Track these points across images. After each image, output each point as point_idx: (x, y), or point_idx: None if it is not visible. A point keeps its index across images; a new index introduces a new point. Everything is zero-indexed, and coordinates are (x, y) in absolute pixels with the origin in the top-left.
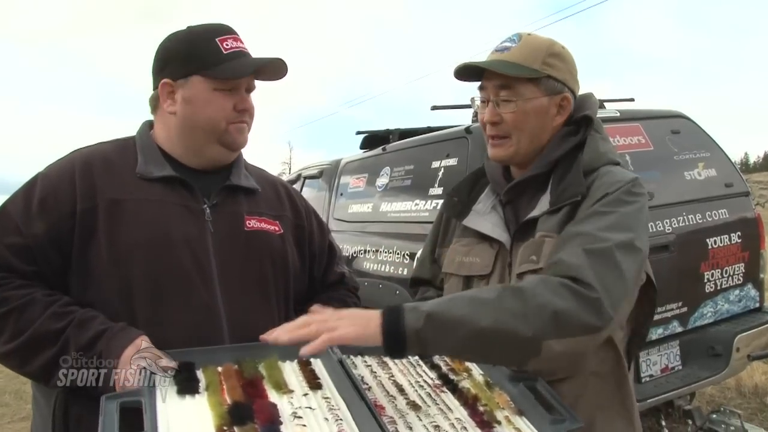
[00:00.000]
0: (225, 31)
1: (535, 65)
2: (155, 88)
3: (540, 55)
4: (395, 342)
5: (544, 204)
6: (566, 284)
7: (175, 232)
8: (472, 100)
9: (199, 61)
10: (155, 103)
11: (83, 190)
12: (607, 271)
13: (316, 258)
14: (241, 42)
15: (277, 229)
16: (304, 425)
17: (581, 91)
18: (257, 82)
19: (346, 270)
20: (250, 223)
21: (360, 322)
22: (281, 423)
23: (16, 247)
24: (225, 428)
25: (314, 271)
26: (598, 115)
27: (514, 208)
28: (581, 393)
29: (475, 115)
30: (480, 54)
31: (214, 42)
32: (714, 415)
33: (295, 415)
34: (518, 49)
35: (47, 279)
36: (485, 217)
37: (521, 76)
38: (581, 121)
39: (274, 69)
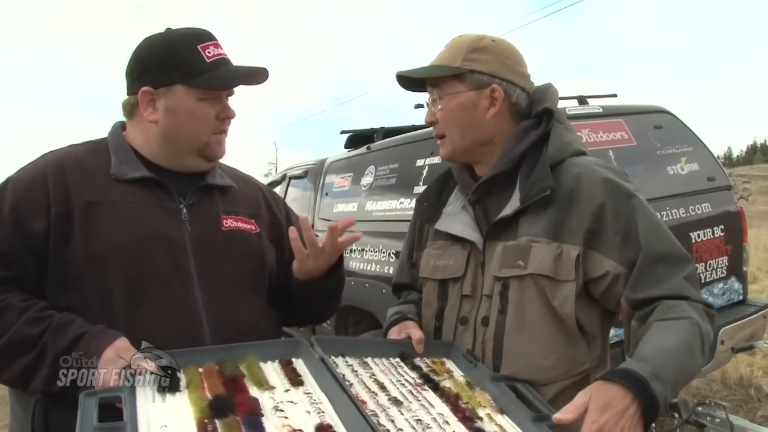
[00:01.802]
0: (206, 37)
1: (455, 63)
2: (131, 93)
3: (461, 52)
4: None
5: (515, 201)
6: (711, 314)
7: (152, 233)
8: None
9: (183, 69)
10: (131, 109)
11: (57, 194)
12: None
13: None
14: (221, 48)
15: (253, 227)
16: (286, 417)
17: (560, 87)
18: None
19: None
20: (227, 223)
21: (628, 414)
22: (263, 415)
23: None
24: (206, 421)
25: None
26: (580, 111)
27: (483, 207)
28: (560, 393)
29: None
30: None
31: (196, 50)
32: (700, 408)
33: (277, 409)
34: (444, 52)
35: (23, 284)
36: (456, 218)
37: (441, 75)
38: (542, 113)
39: (256, 75)
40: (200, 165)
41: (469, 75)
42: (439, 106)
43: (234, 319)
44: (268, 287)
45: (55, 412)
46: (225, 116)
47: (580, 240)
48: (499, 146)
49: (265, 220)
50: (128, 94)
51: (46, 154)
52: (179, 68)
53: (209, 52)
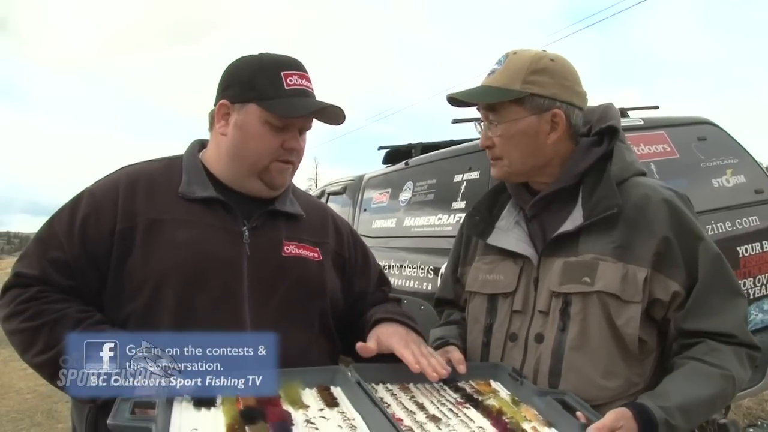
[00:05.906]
0: (293, 66)
1: (515, 86)
2: (215, 105)
3: (521, 74)
4: None
5: (576, 218)
6: (754, 357)
7: (210, 253)
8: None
9: (259, 90)
10: (211, 120)
11: (124, 210)
12: None
13: (368, 295)
14: (308, 80)
15: (316, 255)
16: (317, 429)
17: (599, 99)
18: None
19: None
20: (288, 249)
21: None
22: (293, 425)
23: (58, 262)
24: (236, 427)
25: (366, 301)
26: (620, 124)
27: (540, 222)
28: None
29: None
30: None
31: (278, 75)
32: (751, 429)
33: (309, 422)
34: (501, 72)
35: (84, 295)
36: (509, 233)
37: (501, 100)
38: (605, 131)
39: (332, 114)
40: (261, 190)
41: (529, 99)
42: (499, 132)
43: (281, 345)
44: (326, 316)
45: (103, 419)
46: (289, 147)
47: (648, 263)
48: (557, 165)
49: (329, 248)
50: (214, 105)
51: (122, 168)
52: (257, 88)
53: (290, 81)
